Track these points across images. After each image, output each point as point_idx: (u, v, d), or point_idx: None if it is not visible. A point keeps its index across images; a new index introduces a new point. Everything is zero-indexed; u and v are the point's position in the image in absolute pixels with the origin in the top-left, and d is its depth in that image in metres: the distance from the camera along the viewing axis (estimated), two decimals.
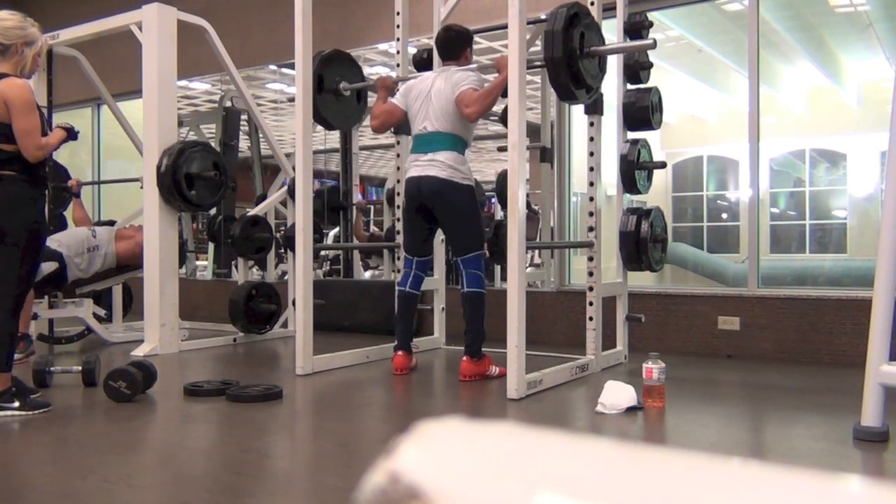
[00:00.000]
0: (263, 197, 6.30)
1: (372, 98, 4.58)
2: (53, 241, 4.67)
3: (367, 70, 7.78)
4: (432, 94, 3.72)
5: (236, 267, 6.06)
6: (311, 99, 3.96)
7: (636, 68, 4.11)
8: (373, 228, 8.03)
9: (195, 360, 4.52)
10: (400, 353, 3.90)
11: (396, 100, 3.91)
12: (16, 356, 3.37)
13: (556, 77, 3.45)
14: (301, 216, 3.85)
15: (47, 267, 4.48)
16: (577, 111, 4.68)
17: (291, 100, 5.35)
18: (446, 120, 3.68)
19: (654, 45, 3.59)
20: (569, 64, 3.40)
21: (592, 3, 3.94)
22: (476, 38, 6.56)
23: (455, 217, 3.73)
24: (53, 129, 3.18)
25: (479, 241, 3.72)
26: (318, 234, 5.96)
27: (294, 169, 4.06)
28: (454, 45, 3.85)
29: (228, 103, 6.90)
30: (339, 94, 4.51)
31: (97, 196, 8.15)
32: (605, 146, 4.00)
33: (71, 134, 3.21)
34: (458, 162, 3.67)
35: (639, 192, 4.20)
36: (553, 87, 3.57)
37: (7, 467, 2.36)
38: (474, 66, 3.89)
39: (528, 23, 3.61)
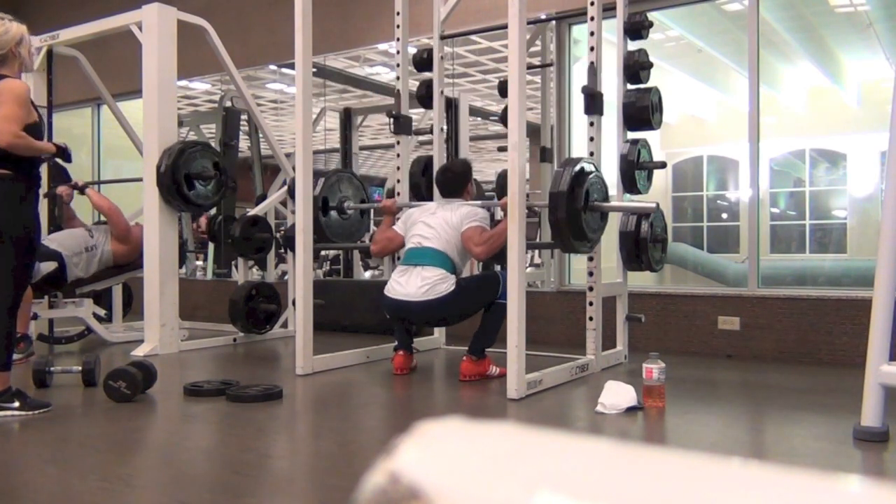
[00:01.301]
0: (263, 197, 6.30)
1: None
2: (52, 242, 4.66)
3: (367, 70, 7.81)
4: (434, 219, 3.77)
5: (236, 267, 6.06)
6: (311, 99, 3.97)
7: (636, 68, 4.11)
8: (373, 228, 8.02)
9: (195, 360, 4.52)
10: (400, 353, 3.91)
11: (398, 227, 3.98)
12: (15, 356, 3.38)
13: (559, 233, 3.45)
14: (301, 216, 3.85)
15: (46, 266, 4.48)
16: (578, 111, 4.69)
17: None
18: (445, 242, 3.71)
19: (656, 208, 3.73)
20: (573, 222, 3.41)
21: (592, 3, 3.94)
22: (476, 38, 6.58)
23: (460, 313, 3.77)
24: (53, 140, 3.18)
25: (492, 291, 3.69)
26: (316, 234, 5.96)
27: (294, 169, 4.06)
28: (455, 184, 3.95)
29: (228, 103, 6.89)
30: (343, 212, 4.58)
31: None
32: (605, 146, 4.00)
33: (63, 153, 3.18)
34: (444, 279, 3.64)
35: (639, 192, 4.20)
36: (554, 239, 3.58)
37: (7, 467, 2.36)
38: (479, 203, 3.96)
39: (528, 23, 3.61)
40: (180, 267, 5.50)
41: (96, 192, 5.26)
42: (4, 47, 2.96)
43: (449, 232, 3.71)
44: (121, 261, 5.02)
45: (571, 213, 3.38)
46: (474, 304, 3.75)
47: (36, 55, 3.19)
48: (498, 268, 4.18)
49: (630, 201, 4.17)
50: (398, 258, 4.08)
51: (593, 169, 3.56)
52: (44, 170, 5.12)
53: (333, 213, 4.58)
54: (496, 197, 6.14)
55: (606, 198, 3.65)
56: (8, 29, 2.99)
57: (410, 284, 3.65)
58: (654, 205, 3.71)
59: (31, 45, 3.13)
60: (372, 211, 5.05)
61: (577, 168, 3.43)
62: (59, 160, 3.20)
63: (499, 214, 4.73)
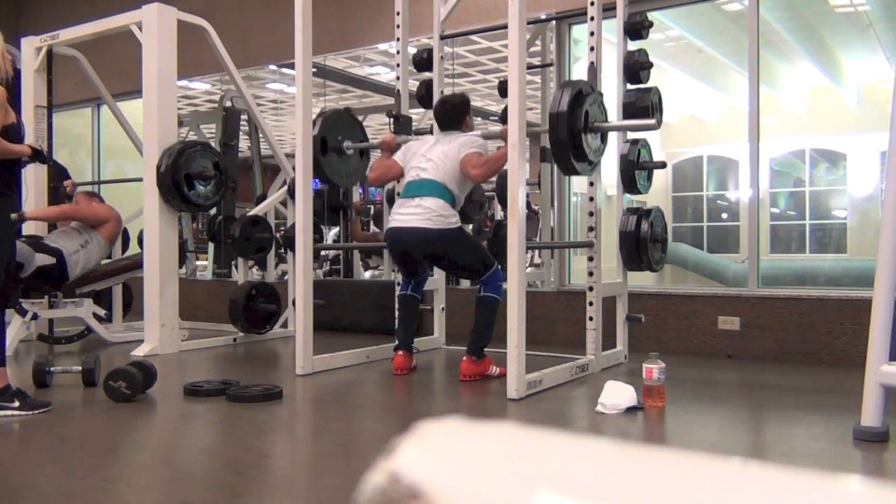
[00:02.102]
0: (263, 197, 6.30)
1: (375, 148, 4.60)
2: (50, 240, 4.66)
3: (367, 70, 7.81)
4: (432, 152, 3.75)
5: (236, 267, 6.06)
6: (311, 99, 3.97)
7: (636, 68, 4.11)
8: (373, 228, 8.03)
9: (195, 360, 4.52)
10: (400, 353, 3.91)
11: (397, 157, 3.97)
12: None
13: (560, 154, 3.45)
14: (301, 216, 3.85)
15: (42, 259, 4.48)
16: None
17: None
18: (444, 173, 3.69)
19: (656, 126, 3.70)
20: (573, 142, 3.42)
21: (592, 3, 3.94)
22: (476, 38, 6.58)
23: (454, 259, 3.79)
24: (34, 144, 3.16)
25: (486, 263, 3.74)
26: (318, 234, 5.97)
27: (294, 169, 4.06)
28: (454, 116, 3.91)
29: (228, 103, 6.90)
30: (342, 152, 4.54)
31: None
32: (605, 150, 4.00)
33: (38, 155, 3.15)
34: (444, 209, 3.64)
35: (639, 192, 4.20)
36: (555, 162, 3.59)
37: (7, 467, 2.36)
38: (478, 132, 3.93)
39: (528, 23, 3.61)
40: (180, 267, 5.50)
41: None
42: None
43: (448, 163, 3.69)
44: (113, 238, 4.96)
45: (572, 133, 3.38)
46: (470, 255, 3.74)
47: (18, 59, 3.16)
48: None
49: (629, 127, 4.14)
50: (398, 194, 4.03)
51: (591, 90, 3.55)
52: (44, 170, 5.16)
53: (332, 154, 4.49)
54: (496, 197, 6.14)
55: (605, 119, 3.65)
56: None
57: (410, 214, 3.65)
58: (652, 121, 3.66)
59: (4, 51, 3.06)
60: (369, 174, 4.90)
61: (577, 89, 3.42)
62: (37, 162, 3.19)
63: (499, 215, 4.72)
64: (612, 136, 4.11)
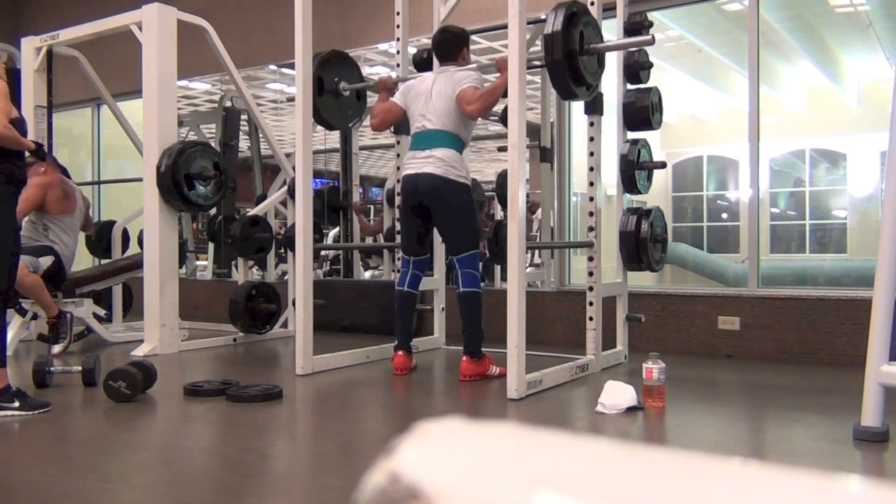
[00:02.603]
0: (263, 197, 6.30)
1: (372, 98, 4.59)
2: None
3: (367, 70, 7.80)
4: (432, 94, 3.73)
5: (236, 267, 6.06)
6: (311, 99, 3.96)
7: (636, 68, 4.11)
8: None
9: (195, 360, 4.52)
10: (400, 353, 3.91)
11: (396, 98, 3.94)
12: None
13: (556, 76, 3.45)
14: (301, 216, 3.85)
15: (45, 261, 4.48)
16: (578, 111, 4.68)
17: (291, 100, 5.34)
18: (446, 118, 3.68)
19: (652, 41, 3.60)
20: (569, 63, 3.40)
21: (592, 3, 3.94)
22: (476, 38, 6.58)
23: (450, 215, 3.74)
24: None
25: (473, 240, 3.73)
26: (318, 234, 5.97)
27: (294, 169, 4.06)
28: (451, 46, 3.86)
29: (228, 103, 6.91)
30: (338, 94, 4.51)
31: (97, 196, 8.15)
32: (605, 146, 4.00)
33: (39, 150, 3.23)
34: (455, 159, 3.67)
35: (639, 192, 4.20)
36: (553, 86, 3.58)
37: (7, 467, 2.37)
38: (474, 65, 3.89)
39: (528, 23, 3.61)
40: (180, 267, 5.50)
41: None
42: None
43: (447, 105, 3.68)
44: (67, 207, 4.64)
45: (568, 54, 3.37)
46: (462, 218, 3.71)
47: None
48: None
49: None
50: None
51: (586, 14, 3.55)
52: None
53: (329, 96, 4.48)
54: (496, 198, 6.14)
55: (601, 41, 3.63)
56: None
57: (423, 161, 3.67)
58: (650, 37, 3.63)
59: None
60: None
61: (570, 10, 3.41)
62: (36, 158, 3.27)
63: (498, 215, 4.72)
64: (612, 130, 4.11)
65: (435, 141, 3.69)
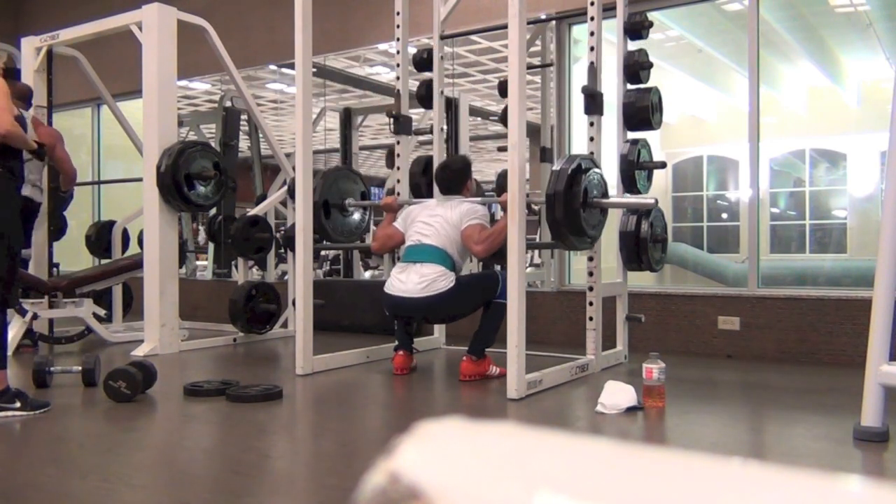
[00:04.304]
0: (263, 197, 6.30)
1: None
2: None
3: (367, 70, 7.81)
4: (434, 218, 3.77)
5: (236, 267, 6.06)
6: (311, 99, 3.97)
7: (636, 68, 4.11)
8: (373, 229, 8.02)
9: (195, 360, 4.52)
10: (400, 353, 3.91)
11: (398, 224, 3.99)
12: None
13: (558, 233, 3.44)
14: (301, 216, 3.85)
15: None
16: (578, 111, 4.69)
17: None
18: (445, 239, 3.71)
19: (655, 204, 3.71)
20: (571, 220, 3.39)
21: (592, 3, 3.94)
22: (476, 37, 6.58)
23: (459, 309, 3.79)
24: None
25: (491, 288, 3.71)
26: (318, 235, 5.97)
27: (294, 169, 4.06)
28: (455, 181, 3.95)
29: (228, 103, 6.90)
30: (344, 210, 4.58)
31: (97, 196, 8.15)
32: (605, 146, 4.00)
33: (40, 149, 3.30)
34: (443, 275, 3.64)
35: (639, 192, 4.20)
36: (553, 238, 3.55)
37: (7, 467, 2.37)
38: (479, 199, 3.95)
39: (528, 23, 3.61)
40: (180, 267, 5.50)
41: None
42: None
43: (448, 230, 3.72)
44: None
45: (570, 211, 3.37)
46: (473, 301, 3.75)
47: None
48: (498, 268, 4.19)
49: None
50: (398, 257, 4.08)
51: (591, 165, 3.55)
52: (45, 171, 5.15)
53: (335, 212, 4.57)
54: (496, 196, 6.13)
55: (605, 193, 3.64)
56: None
57: (410, 281, 3.65)
58: (652, 200, 3.69)
59: None
60: (372, 217, 5.06)
61: (575, 165, 3.41)
62: (35, 158, 3.32)
63: (499, 214, 4.72)
64: (612, 129, 4.11)
65: (426, 255, 3.69)
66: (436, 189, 4.14)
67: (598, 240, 3.80)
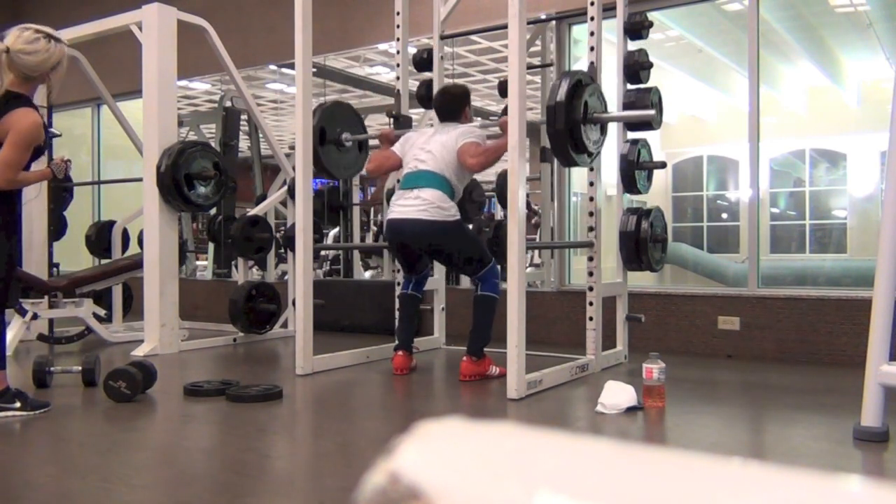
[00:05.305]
0: (263, 197, 6.30)
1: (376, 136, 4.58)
2: None
3: (367, 70, 7.81)
4: (431, 143, 3.74)
5: (236, 267, 6.06)
6: (311, 99, 3.97)
7: (636, 68, 4.11)
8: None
9: (195, 360, 4.52)
10: (400, 353, 3.91)
11: (395, 148, 3.96)
12: None
13: (558, 146, 3.44)
14: (301, 216, 3.85)
15: None
16: None
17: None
18: (442, 163, 3.69)
19: (655, 118, 3.68)
20: (571, 134, 3.40)
21: (592, 3, 3.94)
22: (476, 37, 6.57)
23: (451, 253, 3.77)
24: (51, 161, 3.09)
25: (484, 259, 3.74)
26: (318, 234, 5.97)
27: (294, 169, 4.06)
28: (453, 106, 3.90)
29: (228, 103, 6.91)
30: (340, 144, 4.53)
31: (97, 196, 8.15)
32: (605, 146, 3.99)
33: (56, 175, 3.07)
34: (442, 200, 3.63)
35: (639, 192, 4.20)
36: (554, 154, 3.57)
37: (7, 467, 2.36)
38: (477, 122, 3.91)
39: (528, 23, 3.61)
40: (180, 267, 5.50)
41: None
42: (37, 71, 2.85)
43: (445, 154, 3.68)
44: None
45: (570, 122, 3.37)
46: (466, 251, 3.72)
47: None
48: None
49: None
50: (397, 181, 4.00)
51: (591, 81, 3.54)
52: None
53: (331, 146, 4.47)
54: (496, 198, 6.13)
55: (605, 110, 3.63)
56: (51, 54, 2.86)
57: (409, 205, 3.64)
58: (651, 112, 3.65)
59: (65, 67, 2.95)
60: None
61: (575, 79, 3.40)
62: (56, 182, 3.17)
63: (498, 215, 4.71)
64: (612, 129, 4.11)
65: (424, 180, 3.67)
66: (435, 120, 4.07)
67: (597, 157, 3.77)
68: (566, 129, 3.37)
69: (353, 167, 4.77)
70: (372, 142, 4.72)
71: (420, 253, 3.85)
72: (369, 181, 8.06)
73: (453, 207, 3.68)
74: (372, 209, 8.12)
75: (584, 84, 3.45)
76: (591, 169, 3.96)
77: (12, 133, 2.76)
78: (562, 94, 3.36)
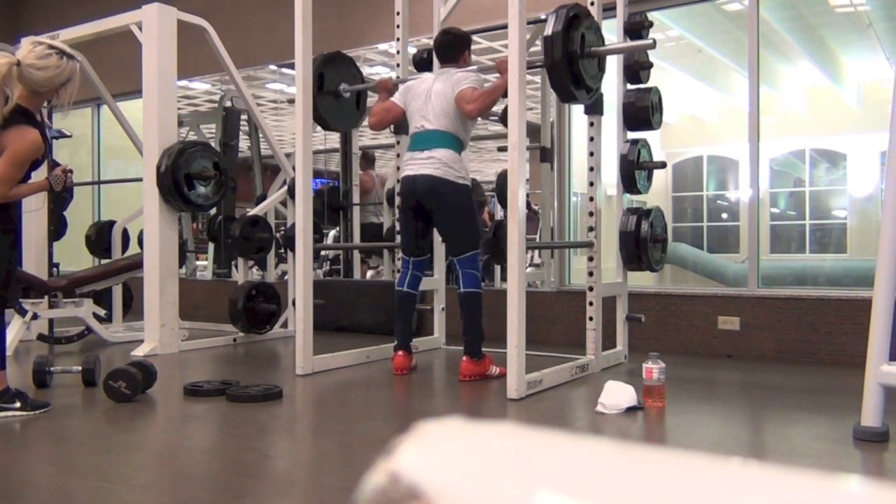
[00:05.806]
0: (263, 197, 6.30)
1: (372, 99, 4.58)
2: None
3: (367, 70, 7.80)
4: (432, 94, 3.72)
5: (236, 267, 6.06)
6: (311, 99, 3.96)
7: (636, 68, 4.11)
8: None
9: (195, 360, 4.52)
10: (400, 353, 3.91)
11: (395, 98, 3.93)
12: None
13: (556, 79, 3.44)
14: (301, 216, 3.85)
15: None
16: (577, 111, 4.68)
17: (291, 101, 5.35)
18: (445, 118, 3.68)
19: (653, 45, 3.60)
20: (569, 66, 3.40)
21: (592, 3, 3.94)
22: (476, 38, 6.57)
23: (450, 216, 3.74)
24: (51, 172, 3.07)
25: (474, 241, 3.73)
26: (318, 234, 5.97)
27: (294, 169, 4.06)
28: (453, 47, 3.86)
29: (228, 103, 6.90)
30: (338, 95, 4.51)
31: (97, 196, 8.15)
32: (605, 146, 4.00)
33: (54, 188, 3.01)
34: (454, 160, 3.66)
35: (639, 192, 4.20)
36: (553, 88, 3.57)
37: (7, 467, 2.36)
38: (474, 67, 3.89)
39: (528, 23, 3.61)
40: (180, 267, 5.50)
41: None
42: (46, 87, 2.81)
43: (446, 105, 3.67)
44: None
45: (568, 54, 3.35)
46: (462, 220, 3.71)
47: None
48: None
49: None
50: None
51: (587, 13, 3.53)
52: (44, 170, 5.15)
53: (329, 97, 4.45)
54: (496, 197, 6.14)
55: (602, 44, 3.61)
56: (61, 71, 2.81)
57: (423, 162, 3.66)
58: (650, 41, 3.62)
59: (77, 84, 2.89)
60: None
61: (571, 13, 3.39)
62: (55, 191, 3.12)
63: (499, 215, 4.70)
64: (612, 129, 4.11)
65: (433, 141, 3.68)
66: (435, 65, 4.02)
67: (596, 94, 3.75)
68: (564, 61, 3.34)
69: (350, 119, 4.75)
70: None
71: (430, 217, 3.80)
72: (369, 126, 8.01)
73: (465, 170, 3.71)
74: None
75: (580, 17, 3.42)
76: (592, 169, 3.95)
77: (9, 150, 2.76)
78: (558, 25, 3.32)
